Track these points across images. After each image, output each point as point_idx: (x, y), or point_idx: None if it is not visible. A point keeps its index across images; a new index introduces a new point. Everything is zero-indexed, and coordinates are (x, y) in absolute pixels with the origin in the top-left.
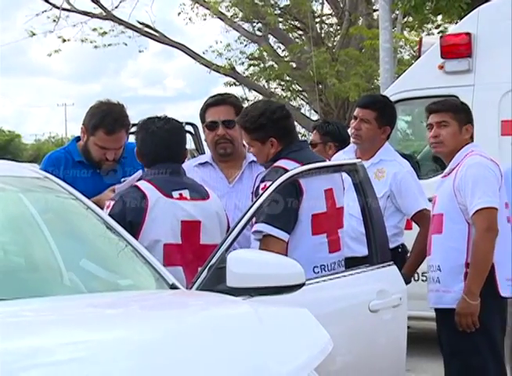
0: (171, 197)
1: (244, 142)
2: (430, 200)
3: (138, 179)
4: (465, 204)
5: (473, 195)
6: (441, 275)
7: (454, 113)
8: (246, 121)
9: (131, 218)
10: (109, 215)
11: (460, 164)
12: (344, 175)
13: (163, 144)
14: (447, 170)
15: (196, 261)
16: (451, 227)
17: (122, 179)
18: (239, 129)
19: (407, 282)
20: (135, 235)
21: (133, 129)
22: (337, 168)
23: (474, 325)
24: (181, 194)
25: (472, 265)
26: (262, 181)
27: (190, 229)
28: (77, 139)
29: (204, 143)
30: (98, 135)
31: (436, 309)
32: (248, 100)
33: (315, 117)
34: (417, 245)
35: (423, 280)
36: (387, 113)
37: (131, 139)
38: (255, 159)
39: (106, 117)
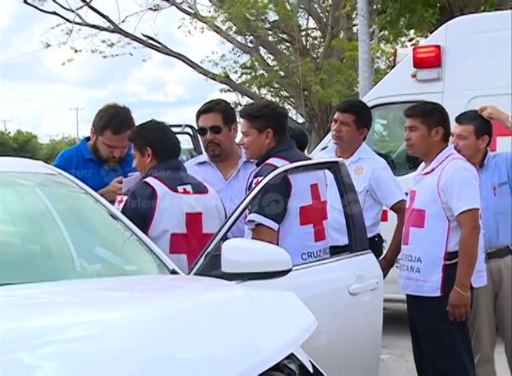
0: (177, 191)
1: (239, 140)
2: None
3: (146, 176)
4: (448, 204)
5: (459, 197)
6: (421, 266)
7: (423, 118)
8: (251, 109)
9: (144, 211)
10: (123, 209)
11: (442, 165)
12: (327, 171)
13: (171, 141)
14: (428, 169)
15: (199, 248)
16: (433, 223)
17: (130, 173)
18: (227, 133)
19: (390, 265)
20: (147, 226)
21: None
22: (321, 166)
23: (466, 314)
24: (185, 189)
25: (462, 261)
26: (255, 176)
27: (193, 219)
28: (87, 139)
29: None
30: (106, 135)
31: (412, 296)
32: (241, 105)
33: (301, 120)
34: (397, 234)
35: (396, 266)
36: (364, 116)
37: None
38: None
39: (113, 118)
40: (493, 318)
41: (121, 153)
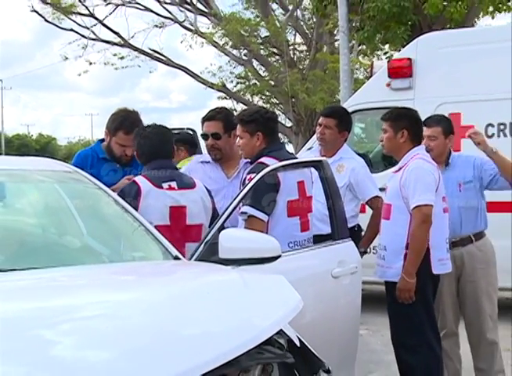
0: (161, 187)
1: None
2: (381, 189)
3: (137, 175)
4: (407, 199)
5: (413, 193)
6: (386, 254)
7: (391, 122)
8: (244, 114)
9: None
10: None
11: (407, 164)
12: (313, 169)
13: (153, 144)
14: (396, 167)
15: (182, 238)
16: (396, 216)
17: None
18: (227, 139)
19: (364, 252)
20: None
21: None
22: (307, 164)
23: (410, 299)
24: (170, 185)
25: (410, 251)
26: (248, 173)
27: (177, 213)
28: (101, 140)
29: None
30: (119, 136)
31: (385, 281)
32: (236, 111)
33: (289, 124)
34: (371, 224)
35: (373, 253)
36: (345, 120)
37: None
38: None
39: (125, 120)
40: (456, 298)
41: (133, 152)
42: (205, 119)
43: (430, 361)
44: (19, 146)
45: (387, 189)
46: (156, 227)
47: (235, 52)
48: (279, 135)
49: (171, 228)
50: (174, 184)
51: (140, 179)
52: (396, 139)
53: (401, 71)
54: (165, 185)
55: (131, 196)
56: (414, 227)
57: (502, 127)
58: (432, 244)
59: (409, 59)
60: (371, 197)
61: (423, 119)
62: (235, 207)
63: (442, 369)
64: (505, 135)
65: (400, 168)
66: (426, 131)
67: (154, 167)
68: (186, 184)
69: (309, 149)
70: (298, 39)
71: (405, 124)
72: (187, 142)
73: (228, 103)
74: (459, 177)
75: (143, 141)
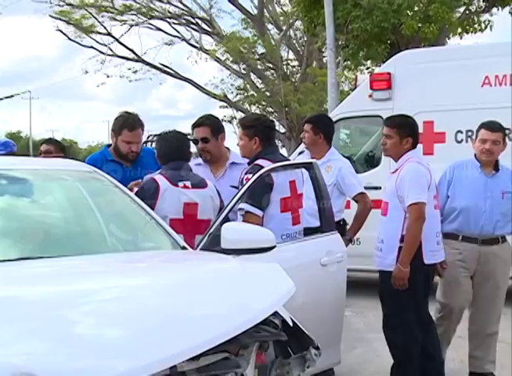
0: (177, 185)
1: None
2: (366, 188)
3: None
4: (402, 198)
5: (408, 193)
6: (383, 246)
7: (397, 129)
8: (245, 120)
9: (147, 200)
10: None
11: (402, 166)
12: (304, 170)
13: (172, 147)
14: (393, 169)
15: (193, 231)
16: (393, 213)
17: (145, 177)
18: (215, 143)
19: (350, 240)
20: None
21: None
22: (298, 166)
23: (404, 286)
24: (185, 184)
25: (405, 243)
26: (246, 174)
27: (190, 208)
28: (108, 145)
29: None
30: (124, 134)
31: (379, 270)
32: (236, 118)
33: (282, 130)
34: (357, 216)
35: (357, 244)
36: (318, 124)
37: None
38: (235, 161)
39: (127, 120)
40: (471, 288)
41: (137, 148)
42: (195, 126)
43: (407, 341)
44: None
45: (386, 189)
46: (171, 220)
47: (235, 66)
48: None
49: (184, 221)
50: (188, 183)
51: (159, 178)
52: (401, 145)
53: (381, 84)
54: (181, 183)
55: (151, 192)
56: (410, 223)
57: (469, 133)
58: (424, 237)
59: (389, 73)
60: (356, 193)
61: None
62: (235, 204)
63: (418, 350)
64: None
65: (396, 170)
66: (490, 135)
67: (172, 167)
68: (199, 184)
69: (300, 153)
70: (291, 55)
71: (410, 132)
72: None
73: (229, 112)
74: (504, 186)
75: (164, 144)
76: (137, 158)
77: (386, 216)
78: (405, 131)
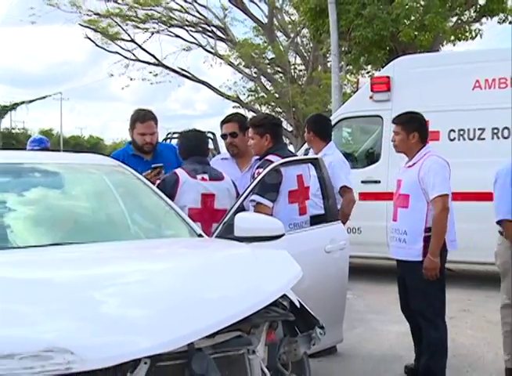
0: (196, 178)
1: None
2: (364, 181)
3: (177, 167)
4: (426, 190)
5: (434, 185)
6: (406, 237)
7: (403, 126)
8: (255, 120)
9: (168, 191)
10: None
11: (422, 160)
12: (310, 165)
13: (192, 144)
14: (410, 163)
15: (210, 219)
16: (415, 204)
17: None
18: (242, 138)
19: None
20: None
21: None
22: (305, 161)
23: (436, 276)
24: (203, 177)
25: (434, 234)
26: (257, 168)
27: (207, 199)
28: (130, 142)
29: (221, 145)
30: (137, 127)
31: (402, 261)
32: (247, 118)
33: (290, 128)
34: (341, 210)
35: (358, 233)
36: (310, 124)
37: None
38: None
39: (139, 114)
40: None
41: (151, 139)
42: (224, 122)
43: (442, 332)
44: (74, 145)
45: (402, 182)
46: (189, 209)
47: (247, 70)
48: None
49: (202, 211)
50: (206, 176)
51: (179, 171)
52: (408, 140)
53: (381, 86)
54: (199, 176)
55: (171, 184)
56: (437, 214)
57: (461, 132)
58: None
59: (388, 77)
60: (341, 186)
61: None
62: (247, 196)
63: (446, 337)
64: (464, 139)
65: (414, 164)
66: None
67: (191, 162)
68: (216, 176)
69: (307, 149)
70: (298, 60)
71: (416, 127)
72: None
73: (241, 111)
74: None
75: (184, 141)
76: (156, 151)
77: (407, 208)
78: (410, 127)
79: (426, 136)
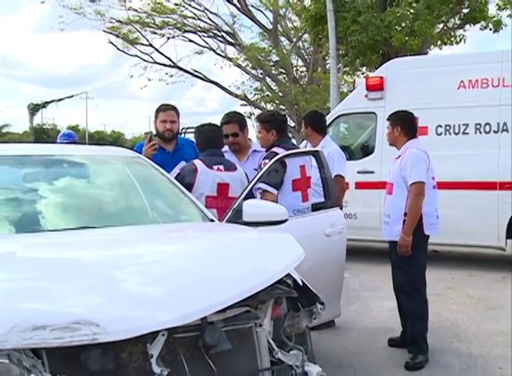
0: (212, 168)
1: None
2: (360, 172)
3: (195, 158)
4: (405, 178)
5: (410, 173)
6: (389, 220)
7: (390, 121)
8: (263, 116)
9: (187, 180)
10: (176, 178)
11: (405, 152)
12: (312, 157)
13: (207, 137)
14: (397, 155)
15: (225, 206)
16: (397, 191)
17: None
18: (242, 136)
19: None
20: (190, 190)
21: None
22: (307, 153)
23: (407, 253)
24: (218, 167)
25: (408, 217)
26: (263, 159)
27: (222, 188)
28: (155, 135)
29: None
30: (159, 115)
31: (388, 241)
32: (254, 114)
33: (292, 124)
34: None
35: (354, 219)
36: (307, 120)
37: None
38: (256, 149)
39: (161, 105)
40: None
41: (171, 127)
42: (223, 123)
43: (420, 303)
44: (98, 139)
45: (391, 172)
46: (206, 197)
47: (253, 71)
48: None
49: (217, 198)
50: (221, 167)
51: (197, 162)
52: (393, 133)
53: (375, 86)
54: (215, 167)
55: (190, 173)
56: (411, 198)
57: (447, 127)
58: (425, 212)
59: (381, 77)
60: (335, 175)
61: None
62: (254, 184)
63: (427, 310)
64: (450, 134)
65: (399, 156)
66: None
67: (208, 153)
68: (230, 167)
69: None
70: (300, 62)
71: (399, 122)
72: None
73: (248, 109)
74: None
75: (200, 135)
76: (177, 145)
77: (391, 195)
78: (394, 122)
79: (410, 130)
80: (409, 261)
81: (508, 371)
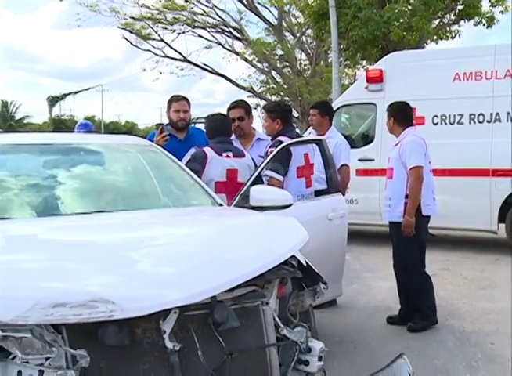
0: (221, 155)
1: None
2: (361, 160)
3: (205, 146)
4: (405, 163)
5: (409, 158)
6: (391, 203)
7: (387, 112)
8: (269, 106)
9: (197, 167)
10: (186, 164)
11: (402, 140)
12: (315, 145)
13: (217, 126)
14: (396, 142)
15: (234, 191)
16: (398, 176)
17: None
18: (247, 121)
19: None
20: (200, 176)
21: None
22: (311, 141)
23: (412, 233)
24: (227, 154)
25: (409, 199)
26: (269, 147)
27: (232, 173)
28: (167, 124)
29: None
30: (172, 106)
31: (390, 222)
32: (260, 105)
33: (296, 114)
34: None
35: (355, 204)
36: (324, 108)
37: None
38: (260, 137)
39: (174, 96)
40: None
41: (185, 116)
42: (231, 108)
43: (421, 278)
44: (113, 129)
45: (390, 158)
46: (216, 182)
47: (259, 65)
48: None
49: (227, 184)
50: (230, 154)
51: (207, 149)
52: (390, 123)
53: (375, 78)
54: (224, 154)
55: (201, 160)
56: (411, 181)
57: (443, 117)
58: (422, 194)
59: (381, 70)
60: (340, 165)
61: None
62: (261, 171)
63: (432, 284)
64: (445, 123)
65: (398, 143)
66: None
67: (217, 141)
68: (238, 154)
69: (310, 133)
70: (303, 56)
71: (393, 113)
72: None
73: (255, 100)
74: None
75: (211, 123)
76: (188, 133)
77: (392, 179)
78: (389, 113)
79: (404, 120)
80: (411, 240)
81: (499, 346)
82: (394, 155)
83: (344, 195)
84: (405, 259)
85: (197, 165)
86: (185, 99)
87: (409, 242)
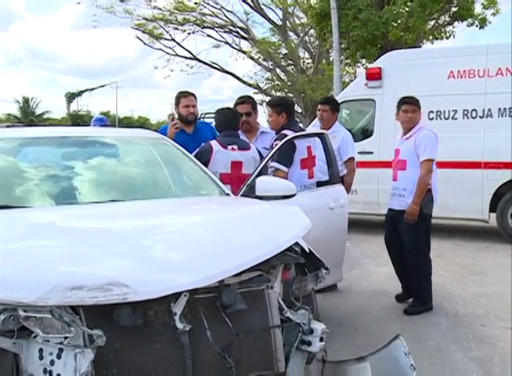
0: (226, 148)
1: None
2: (361, 152)
3: (212, 139)
4: (419, 155)
5: (423, 151)
6: (405, 193)
7: (413, 104)
8: (273, 100)
9: (203, 160)
10: (195, 157)
11: (417, 133)
12: (317, 138)
13: (226, 119)
14: (407, 135)
15: (239, 182)
16: (411, 167)
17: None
18: (254, 116)
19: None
20: (206, 168)
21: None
22: (313, 135)
23: (414, 220)
24: (233, 147)
25: (417, 189)
26: (274, 140)
27: (236, 165)
28: (176, 118)
29: None
30: (181, 101)
31: (399, 211)
32: (265, 101)
33: (299, 110)
34: (347, 177)
35: (355, 194)
36: (335, 104)
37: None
38: (264, 130)
39: (181, 92)
40: None
41: (194, 110)
42: (238, 103)
43: (425, 263)
44: (127, 124)
45: (401, 150)
46: (221, 174)
47: (265, 63)
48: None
49: (231, 175)
50: (235, 146)
51: (213, 142)
52: (414, 116)
53: (374, 76)
54: (229, 147)
55: (206, 152)
56: (422, 173)
57: (438, 113)
58: (433, 186)
59: (380, 68)
60: (347, 158)
61: (390, 108)
62: (266, 162)
63: (431, 269)
64: (440, 119)
65: (410, 136)
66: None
67: (224, 134)
68: (244, 147)
69: (313, 126)
70: (306, 55)
71: (418, 106)
72: None
73: (260, 97)
74: None
75: (219, 117)
76: (196, 127)
77: (405, 170)
78: (414, 105)
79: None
80: (420, 226)
81: (489, 328)
82: (407, 147)
83: (351, 184)
84: (414, 244)
85: (203, 158)
86: (193, 94)
87: (419, 228)
